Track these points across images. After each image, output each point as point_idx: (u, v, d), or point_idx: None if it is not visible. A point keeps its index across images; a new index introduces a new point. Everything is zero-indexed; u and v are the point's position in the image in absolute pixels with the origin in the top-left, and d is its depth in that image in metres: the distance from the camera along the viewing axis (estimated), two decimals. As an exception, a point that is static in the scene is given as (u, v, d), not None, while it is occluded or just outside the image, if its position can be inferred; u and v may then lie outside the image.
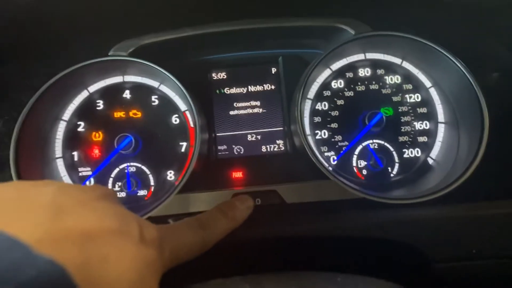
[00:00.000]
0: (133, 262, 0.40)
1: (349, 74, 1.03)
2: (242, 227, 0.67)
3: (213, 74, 1.05)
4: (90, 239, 0.38)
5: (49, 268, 0.32)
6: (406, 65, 1.02)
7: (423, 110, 1.01)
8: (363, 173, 1.00)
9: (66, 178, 0.99)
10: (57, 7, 0.78)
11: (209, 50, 1.06)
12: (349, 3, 0.93)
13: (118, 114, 1.01)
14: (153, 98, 1.02)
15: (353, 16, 0.93)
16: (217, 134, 1.03)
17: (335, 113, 1.01)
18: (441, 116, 1.00)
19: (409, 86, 1.02)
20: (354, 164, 1.00)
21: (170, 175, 0.99)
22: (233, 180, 0.99)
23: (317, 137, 1.00)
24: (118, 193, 0.99)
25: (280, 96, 1.04)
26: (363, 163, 1.00)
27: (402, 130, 1.00)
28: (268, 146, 1.02)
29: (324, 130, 1.01)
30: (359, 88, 1.02)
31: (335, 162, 1.00)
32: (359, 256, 0.77)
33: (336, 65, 1.02)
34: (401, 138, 1.00)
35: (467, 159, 0.86)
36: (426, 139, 1.00)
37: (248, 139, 1.03)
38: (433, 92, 1.01)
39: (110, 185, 0.99)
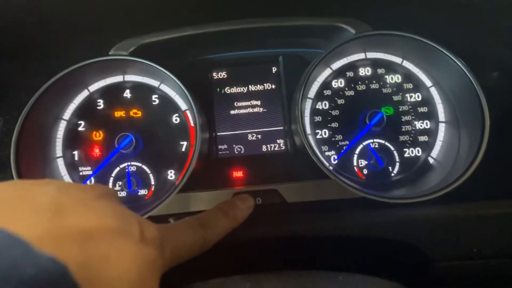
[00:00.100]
0: (133, 261, 0.40)
1: (350, 74, 1.03)
2: (243, 226, 0.67)
3: (214, 74, 1.05)
4: (90, 238, 0.38)
5: (50, 266, 0.31)
6: (407, 64, 1.02)
7: (424, 109, 1.01)
8: (364, 172, 1.00)
9: (67, 178, 0.99)
10: (57, 7, 0.78)
11: (210, 50, 1.06)
12: (350, 2, 0.93)
13: (119, 114, 1.01)
14: (154, 97, 1.02)
15: (354, 15, 0.93)
16: (218, 134, 1.03)
17: (335, 112, 1.01)
18: (441, 116, 1.00)
19: (410, 86, 1.02)
20: (355, 163, 1.00)
21: (171, 174, 0.99)
22: (233, 180, 0.99)
23: (318, 136, 1.00)
24: (118, 193, 0.99)
25: (281, 96, 1.04)
26: (363, 163, 1.00)
27: (403, 129, 1.00)
28: (268, 146, 1.02)
29: (325, 130, 1.01)
30: (359, 87, 1.02)
31: (336, 161, 1.00)
32: (359, 255, 0.77)
33: (337, 65, 1.02)
34: (401, 138, 1.00)
35: (467, 159, 0.86)
36: (427, 139, 1.00)
37: (249, 138, 1.03)
38: (434, 91, 1.00)
39: (110, 185, 0.99)
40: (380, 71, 1.03)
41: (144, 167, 1.00)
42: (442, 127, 1.00)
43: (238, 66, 1.06)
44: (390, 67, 1.03)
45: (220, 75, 1.05)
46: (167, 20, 0.92)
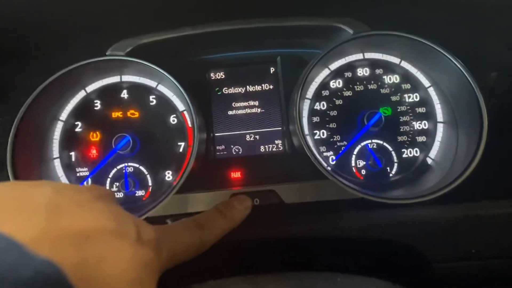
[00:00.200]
0: (130, 262, 0.40)
1: (348, 74, 1.02)
2: (240, 227, 0.67)
3: (212, 74, 1.05)
4: (86, 239, 0.37)
5: (45, 268, 0.31)
6: (405, 64, 1.02)
7: (422, 109, 1.01)
8: (362, 173, 1.00)
9: (64, 179, 0.98)
10: (57, 7, 0.78)
11: (208, 50, 1.06)
12: (348, 3, 0.93)
13: (116, 114, 1.01)
14: (151, 98, 1.02)
15: (352, 16, 0.93)
16: (215, 134, 1.03)
17: (333, 113, 1.01)
18: (440, 116, 1.00)
19: (408, 86, 1.02)
20: (353, 164, 1.00)
21: (168, 175, 0.99)
22: (231, 180, 0.99)
23: (316, 137, 1.00)
24: (116, 194, 0.99)
25: (279, 96, 1.03)
26: (362, 163, 1.00)
27: (401, 129, 1.00)
28: (266, 146, 1.02)
29: (323, 130, 1.00)
30: (357, 87, 1.02)
31: (334, 162, 1.00)
32: (358, 256, 0.77)
33: (335, 65, 1.02)
34: (400, 138, 1.00)
35: (466, 159, 0.86)
36: (425, 139, 1.00)
37: (247, 139, 1.02)
38: (432, 92, 1.00)
39: (107, 186, 0.99)
40: (378, 71, 1.02)
41: (142, 168, 0.99)
42: (440, 128, 0.99)
43: (236, 67, 1.06)
44: (388, 68, 1.03)
45: (218, 75, 1.05)
46: (165, 20, 0.92)
